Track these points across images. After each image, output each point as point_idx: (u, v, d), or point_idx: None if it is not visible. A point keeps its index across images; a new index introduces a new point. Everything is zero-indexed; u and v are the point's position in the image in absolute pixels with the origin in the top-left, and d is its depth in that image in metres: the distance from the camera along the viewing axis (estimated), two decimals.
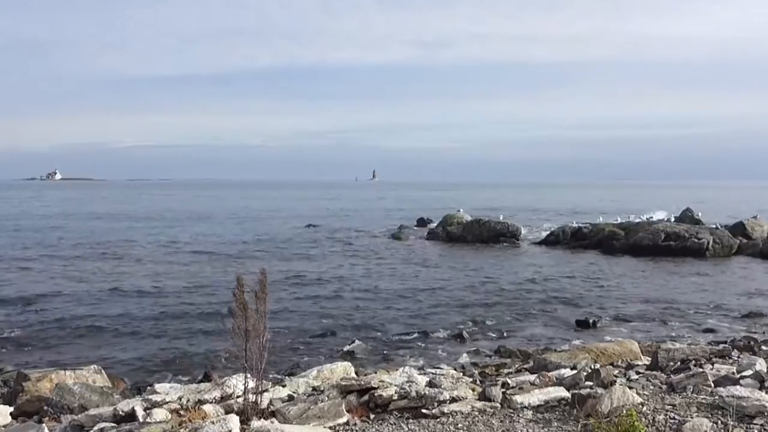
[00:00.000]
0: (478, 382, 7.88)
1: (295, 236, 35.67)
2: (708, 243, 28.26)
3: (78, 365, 9.48)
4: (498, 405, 5.63)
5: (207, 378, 9.69)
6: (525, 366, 9.65)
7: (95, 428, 5.23)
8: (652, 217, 37.17)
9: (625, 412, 5.01)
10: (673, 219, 35.51)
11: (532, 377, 6.80)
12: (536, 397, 5.67)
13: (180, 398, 5.83)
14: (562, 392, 5.75)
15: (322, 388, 6.44)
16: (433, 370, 9.20)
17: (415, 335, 14.03)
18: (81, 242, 31.42)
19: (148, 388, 6.94)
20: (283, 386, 6.70)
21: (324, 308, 16.69)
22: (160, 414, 5.28)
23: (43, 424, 5.57)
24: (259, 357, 5.15)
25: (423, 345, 13.33)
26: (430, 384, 6.22)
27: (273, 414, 5.40)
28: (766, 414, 5.07)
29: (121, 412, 5.41)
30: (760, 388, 5.81)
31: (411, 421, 5.38)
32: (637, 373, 7.19)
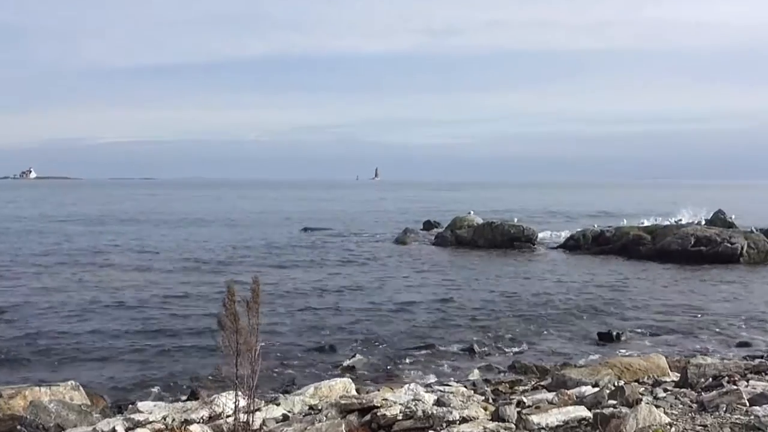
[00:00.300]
0: (490, 400, 7.87)
1: (291, 241, 35.70)
2: (742, 248, 28.19)
3: (54, 381, 9.50)
4: (513, 426, 5.61)
5: (194, 396, 9.70)
6: (542, 383, 9.64)
7: None
8: (680, 220, 37.07)
9: None
10: (703, 222, 35.46)
11: (550, 395, 6.79)
12: (554, 417, 5.65)
13: (164, 418, 5.83)
14: (582, 412, 5.74)
15: (319, 407, 6.43)
16: (442, 388, 9.20)
17: (422, 349, 14.02)
18: (57, 248, 31.50)
19: (130, 406, 6.96)
20: (277, 405, 6.70)
21: (322, 320, 16.70)
22: None
23: None
24: (251, 373, 5.15)
25: (430, 360, 13.32)
26: (438, 402, 6.21)
27: None
28: None
29: None
30: None
31: None
32: (665, 390, 7.18)
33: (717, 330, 15.94)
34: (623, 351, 13.81)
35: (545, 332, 15.68)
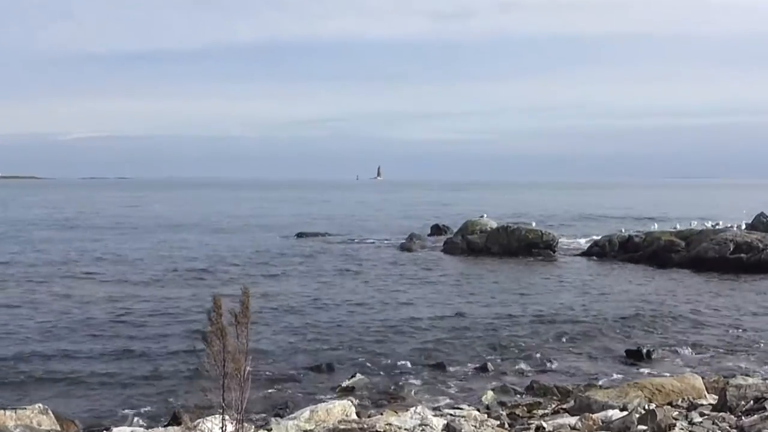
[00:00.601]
0: (506, 425, 7.87)
1: (284, 248, 35.72)
2: None
3: (20, 405, 9.52)
4: None
5: (176, 420, 9.71)
6: (564, 406, 9.64)
7: None
8: (718, 224, 37.03)
9: None
10: (743, 226, 35.41)
11: (573, 420, 6.79)
12: None
13: None
14: None
15: None
16: (452, 411, 9.21)
17: (430, 368, 14.03)
18: (21, 257, 31.52)
19: (105, 431, 6.97)
20: (269, 430, 6.71)
21: (318, 336, 16.69)
22: None
23: None
24: (239, 394, 5.17)
25: (439, 380, 13.33)
26: (448, 428, 6.22)
27: None
28: None
29: None
30: None
31: None
32: (702, 414, 7.18)
33: (759, 347, 15.91)
34: (654, 370, 13.80)
35: (567, 349, 15.64)
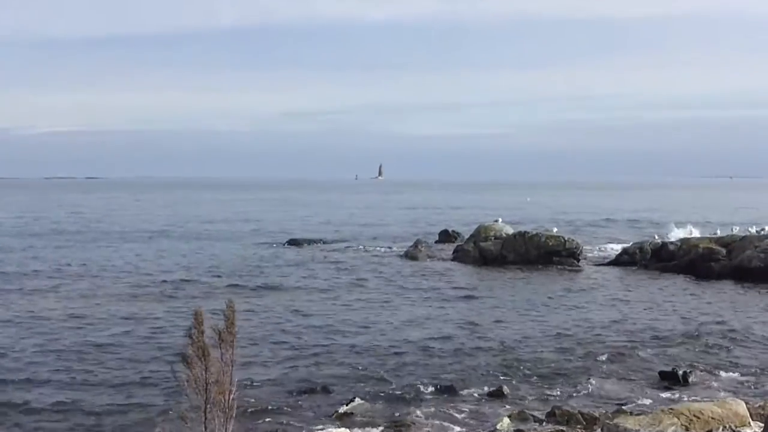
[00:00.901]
0: None
1: (275, 257, 35.71)
2: None
3: None
4: None
5: None
6: None
7: None
8: (763, 230, 36.97)
9: None
10: None
11: None
12: None
13: None
14: None
15: None
16: None
17: (438, 391, 14.03)
18: None
19: None
20: None
21: (313, 355, 16.68)
22: None
23: None
24: (223, 421, 5.16)
25: (448, 405, 13.31)
26: None
27: None
28: None
29: None
30: None
31: None
32: None
33: None
34: (691, 395, 13.78)
35: (594, 371, 15.62)
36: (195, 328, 5.19)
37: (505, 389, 14.03)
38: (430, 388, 14.22)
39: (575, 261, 32.94)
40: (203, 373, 5.18)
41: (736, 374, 15.43)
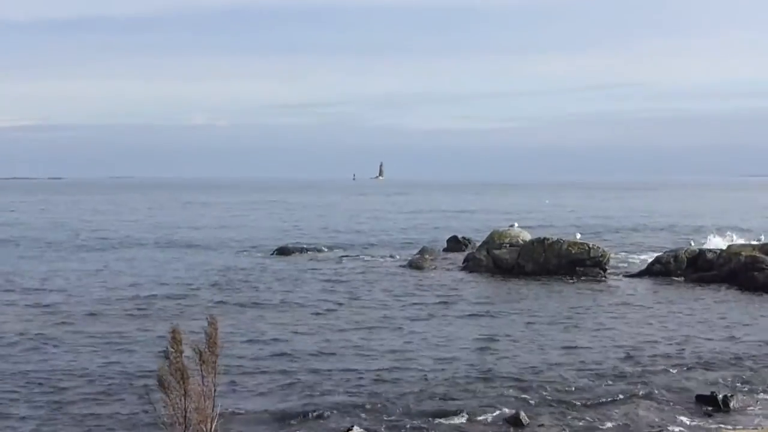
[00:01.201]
0: None
1: (260, 269, 35.66)
2: None
3: None
4: None
5: None
6: None
7: None
8: None
9: None
10: None
11: None
12: None
13: None
14: None
15: None
16: None
17: (448, 417, 14.00)
18: None
19: None
20: None
21: (305, 376, 16.68)
22: None
23: None
24: None
25: None
26: None
27: None
28: None
29: None
30: None
31: None
32: None
33: None
34: (732, 421, 13.74)
35: (622, 394, 15.59)
36: (172, 348, 5.17)
37: (523, 417, 14.00)
38: (440, 412, 14.22)
39: (601, 271, 32.90)
40: (182, 399, 5.16)
41: None
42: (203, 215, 79.15)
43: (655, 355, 18.92)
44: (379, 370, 17.42)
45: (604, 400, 15.31)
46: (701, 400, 15.13)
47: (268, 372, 17.24)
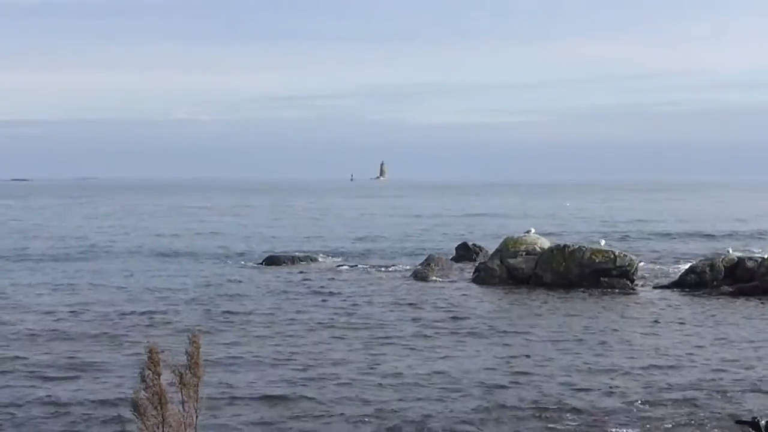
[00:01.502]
0: None
1: (247, 280, 35.62)
2: None
3: None
4: None
5: None
6: None
7: None
8: None
9: None
10: None
11: None
12: None
13: None
14: None
15: None
16: None
17: None
18: None
19: None
20: None
21: (297, 403, 16.64)
22: None
23: None
24: None
25: None
26: None
27: None
28: None
29: None
30: None
31: None
32: None
33: None
34: None
35: (655, 420, 15.56)
36: (149, 370, 5.15)
37: None
38: None
39: (629, 282, 32.84)
40: (159, 427, 5.15)
41: None
42: (183, 221, 79.08)
43: (688, 375, 18.88)
44: (379, 398, 17.34)
45: (634, 426, 15.27)
46: (742, 424, 15.08)
47: (254, 398, 17.16)
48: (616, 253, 34.11)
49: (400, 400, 17.25)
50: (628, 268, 33.31)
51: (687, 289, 32.13)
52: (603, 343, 22.80)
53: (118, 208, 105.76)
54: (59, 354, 21.32)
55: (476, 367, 19.94)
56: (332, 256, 44.56)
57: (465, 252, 42.54)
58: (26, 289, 33.00)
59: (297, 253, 44.34)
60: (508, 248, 35.78)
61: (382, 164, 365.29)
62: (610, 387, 18.08)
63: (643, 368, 19.72)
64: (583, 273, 32.98)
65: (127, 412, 5.91)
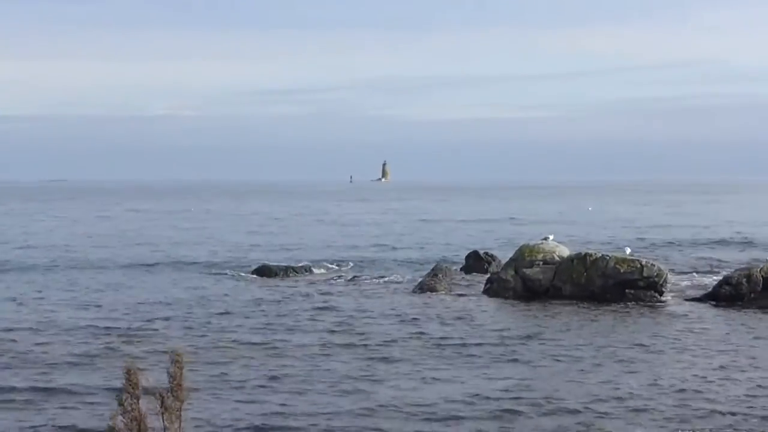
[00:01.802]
0: None
1: (236, 293, 35.55)
2: None
3: None
4: None
5: None
6: None
7: None
8: None
9: None
10: None
11: None
12: None
13: None
14: None
15: None
16: None
17: None
18: None
19: None
20: None
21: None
22: None
23: None
24: None
25: None
26: None
27: None
28: None
29: None
30: None
31: None
32: None
33: None
34: None
35: None
36: (127, 393, 5.15)
37: None
38: None
39: (657, 295, 32.75)
40: None
41: None
42: (164, 227, 79.10)
43: (726, 401, 18.82)
44: (379, 428, 17.30)
45: None
46: None
47: (240, 429, 17.16)
48: (643, 263, 34.02)
49: (402, 430, 17.22)
50: (656, 279, 33.25)
51: (721, 303, 32.03)
52: (629, 362, 22.73)
53: (91, 214, 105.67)
54: (25, 377, 21.25)
55: (488, 392, 19.83)
56: (328, 266, 44.53)
57: (475, 261, 42.50)
58: None
59: (290, 264, 44.34)
60: (523, 257, 35.75)
61: (384, 164, 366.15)
62: (635, 410, 18.06)
63: (673, 391, 19.66)
64: (607, 284, 32.92)
65: None
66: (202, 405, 17.81)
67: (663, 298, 32.74)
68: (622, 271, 33.24)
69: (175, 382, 5.16)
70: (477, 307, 31.89)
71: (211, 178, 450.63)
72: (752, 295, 32.10)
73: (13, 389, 19.99)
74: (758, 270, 33.55)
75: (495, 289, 34.55)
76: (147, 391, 7.09)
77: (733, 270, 35.49)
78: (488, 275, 37.24)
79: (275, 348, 24.96)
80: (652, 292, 32.76)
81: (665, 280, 33.65)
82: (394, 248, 56.10)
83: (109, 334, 26.53)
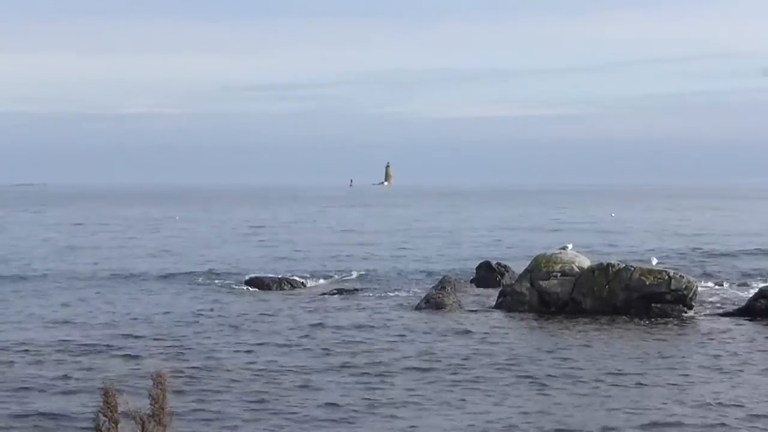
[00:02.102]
0: None
1: (224, 308, 35.52)
2: None
3: None
4: None
5: None
6: None
7: None
8: None
9: None
10: None
11: None
12: None
13: None
14: None
15: None
16: None
17: None
18: None
19: None
20: None
21: None
22: None
23: None
24: None
25: None
26: None
27: None
28: None
29: None
30: None
31: None
32: None
33: None
34: None
35: None
36: (105, 417, 5.17)
37: None
38: None
39: (686, 309, 32.76)
40: None
41: None
42: (146, 235, 79.12)
43: (762, 425, 18.83)
44: None
45: None
46: None
47: None
48: (671, 274, 34.01)
49: None
50: (685, 292, 33.22)
51: (757, 318, 32.04)
52: (655, 386, 22.66)
53: (65, 220, 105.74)
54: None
55: (503, 419, 19.80)
56: (326, 278, 44.57)
57: (487, 273, 42.53)
58: None
59: (284, 275, 44.35)
60: (539, 268, 35.71)
61: (387, 166, 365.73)
62: None
63: (701, 416, 19.67)
64: (631, 298, 32.92)
65: None
66: (182, 415, 17.83)
67: (692, 313, 32.76)
68: (647, 283, 33.22)
69: (157, 405, 5.18)
70: (489, 323, 31.88)
71: (197, 182, 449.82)
72: None
73: None
74: None
75: (509, 303, 34.55)
76: (126, 415, 7.20)
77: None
78: (501, 288, 37.23)
79: (265, 370, 24.90)
80: (681, 306, 32.73)
81: (695, 293, 33.61)
82: (397, 258, 56.08)
83: (87, 353, 26.55)
